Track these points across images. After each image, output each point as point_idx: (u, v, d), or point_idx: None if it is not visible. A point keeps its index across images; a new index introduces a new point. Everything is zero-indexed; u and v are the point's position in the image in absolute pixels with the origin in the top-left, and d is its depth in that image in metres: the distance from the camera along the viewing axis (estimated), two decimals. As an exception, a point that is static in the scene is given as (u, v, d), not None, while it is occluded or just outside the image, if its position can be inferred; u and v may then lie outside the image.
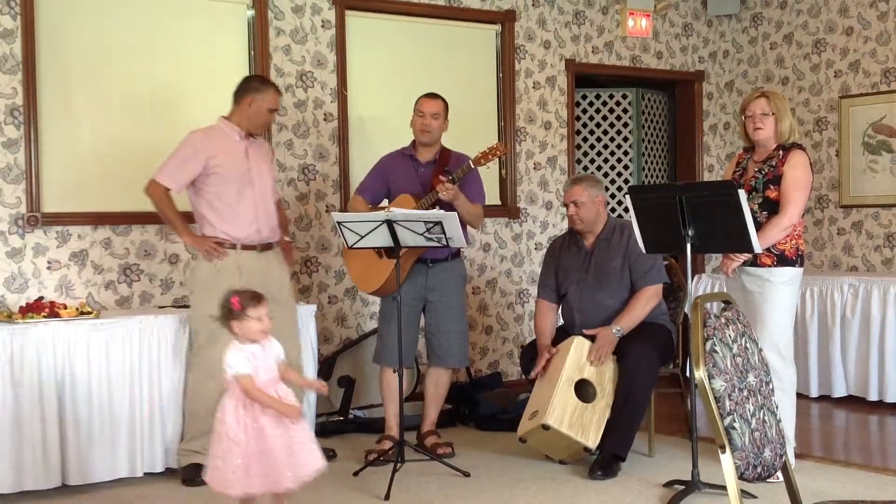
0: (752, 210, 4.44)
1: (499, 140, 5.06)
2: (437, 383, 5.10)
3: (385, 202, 5.07)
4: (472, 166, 4.84)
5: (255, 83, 4.80)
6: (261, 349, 3.49)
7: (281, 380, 3.53)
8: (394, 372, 4.74)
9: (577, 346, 4.70)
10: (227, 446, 3.40)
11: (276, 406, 3.42)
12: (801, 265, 4.54)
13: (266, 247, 4.73)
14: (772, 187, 4.45)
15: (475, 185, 4.99)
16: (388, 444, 4.86)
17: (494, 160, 4.92)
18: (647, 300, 4.82)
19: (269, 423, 3.41)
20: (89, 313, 4.63)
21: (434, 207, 4.71)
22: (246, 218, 4.64)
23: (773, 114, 4.49)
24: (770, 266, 4.46)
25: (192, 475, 4.44)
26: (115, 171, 5.30)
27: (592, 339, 4.75)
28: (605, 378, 4.67)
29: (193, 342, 4.67)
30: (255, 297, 3.51)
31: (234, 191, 4.64)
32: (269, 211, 4.77)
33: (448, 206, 4.72)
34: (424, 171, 4.99)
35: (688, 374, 4.89)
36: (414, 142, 5.09)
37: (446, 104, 5.05)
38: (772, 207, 4.45)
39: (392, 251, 4.65)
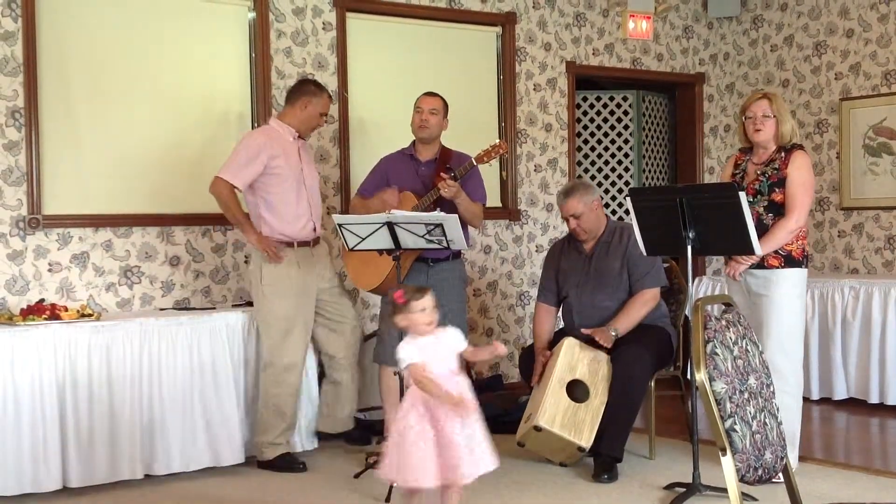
0: (758, 213, 4.45)
1: (500, 139, 5.07)
2: None
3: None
4: (475, 163, 4.86)
5: (311, 87, 5.01)
6: (434, 341, 3.46)
7: (470, 362, 3.49)
8: (395, 374, 4.74)
9: (568, 348, 4.71)
10: (407, 439, 3.38)
11: (444, 398, 3.36)
12: (807, 266, 4.55)
13: (316, 241, 4.99)
14: (777, 190, 4.44)
15: (476, 184, 5.00)
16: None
17: (497, 158, 4.94)
18: (644, 303, 4.83)
19: (449, 419, 3.37)
20: (90, 316, 4.64)
21: (435, 205, 4.72)
22: (303, 217, 4.88)
23: (774, 116, 4.49)
24: (778, 268, 4.45)
25: (288, 464, 4.79)
26: (116, 173, 5.30)
27: (586, 338, 4.76)
28: (597, 378, 4.68)
29: (264, 341, 4.88)
30: (419, 291, 3.50)
31: (291, 191, 4.85)
32: (319, 208, 5.05)
33: (449, 204, 4.72)
34: (425, 170, 4.99)
35: (689, 376, 4.89)
36: (414, 142, 5.10)
37: (445, 103, 5.07)
38: (778, 210, 4.44)
39: (392, 251, 4.66)
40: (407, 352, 3.42)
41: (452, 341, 3.52)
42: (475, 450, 3.41)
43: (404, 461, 3.38)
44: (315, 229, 4.98)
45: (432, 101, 5.04)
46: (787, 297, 4.45)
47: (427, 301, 3.46)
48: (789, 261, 4.46)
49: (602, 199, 7.51)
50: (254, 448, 4.93)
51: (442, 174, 4.79)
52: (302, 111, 4.94)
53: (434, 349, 3.45)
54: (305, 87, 5.00)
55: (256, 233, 4.85)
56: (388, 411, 4.98)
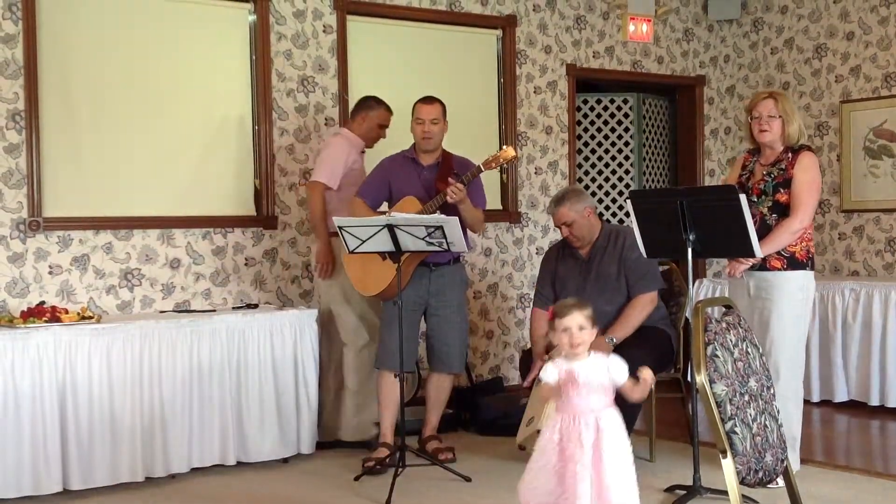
0: (762, 214, 4.42)
1: (507, 145, 5.02)
2: (439, 388, 5.08)
3: (385, 205, 5.06)
4: (482, 169, 4.84)
5: (369, 102, 5.38)
6: (581, 366, 3.10)
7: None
8: (395, 377, 4.74)
9: None
10: (539, 461, 3.17)
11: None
12: (812, 268, 4.49)
13: None
14: (782, 191, 4.40)
15: (478, 190, 4.99)
16: (384, 452, 4.85)
17: (504, 164, 4.92)
18: (642, 308, 4.82)
19: (577, 451, 3.05)
20: (90, 318, 4.63)
21: (440, 210, 4.71)
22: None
23: (780, 116, 4.43)
24: (780, 269, 4.41)
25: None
26: (116, 175, 5.31)
27: None
28: None
29: (346, 340, 5.24)
30: (572, 306, 3.17)
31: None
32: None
33: (452, 209, 4.72)
34: (427, 175, 4.99)
35: (689, 378, 4.88)
36: (414, 145, 5.09)
37: (444, 106, 5.05)
38: (782, 211, 4.40)
39: (395, 255, 4.67)
40: (548, 371, 3.13)
41: (606, 371, 3.11)
42: (602, 493, 3.05)
43: (526, 481, 3.22)
44: None
45: (432, 109, 4.98)
46: (790, 299, 4.41)
47: (574, 319, 3.11)
48: (792, 263, 4.41)
49: (602, 201, 7.52)
50: (349, 430, 5.20)
51: (450, 179, 4.77)
52: (360, 126, 5.35)
53: (577, 374, 3.09)
54: (363, 103, 5.39)
55: (327, 244, 5.17)
56: (385, 416, 4.98)
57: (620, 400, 4.58)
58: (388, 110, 5.39)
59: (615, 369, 3.09)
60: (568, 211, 4.87)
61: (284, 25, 5.85)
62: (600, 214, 7.03)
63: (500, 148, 5.00)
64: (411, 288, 4.87)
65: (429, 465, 4.75)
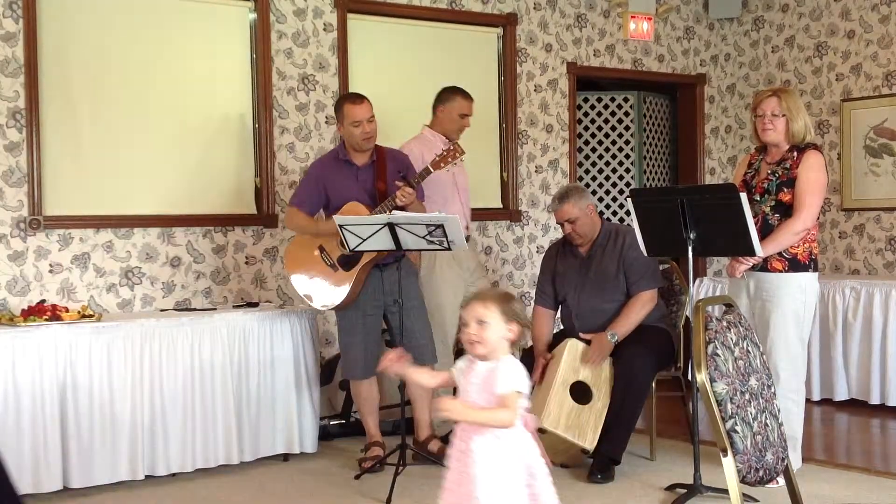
0: (764, 213, 4.38)
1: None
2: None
3: (321, 213, 4.96)
4: (431, 170, 4.76)
5: (445, 93, 5.40)
6: (481, 369, 2.78)
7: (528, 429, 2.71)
8: (366, 381, 4.80)
9: (571, 349, 4.71)
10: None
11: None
12: (816, 270, 4.43)
13: (467, 238, 5.09)
14: (785, 190, 4.36)
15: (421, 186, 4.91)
16: (378, 450, 4.84)
17: (453, 162, 4.82)
18: (642, 305, 4.82)
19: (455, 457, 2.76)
20: (91, 316, 4.64)
21: (391, 212, 4.62)
22: (456, 216, 4.94)
23: (783, 115, 4.38)
24: (781, 271, 4.37)
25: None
26: (116, 174, 5.31)
27: (587, 341, 4.75)
28: (600, 379, 4.67)
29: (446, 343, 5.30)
30: (470, 298, 2.87)
31: (443, 192, 5.23)
32: (469, 208, 5.49)
33: (401, 210, 4.65)
34: (364, 176, 4.86)
35: (690, 377, 4.89)
36: (343, 144, 4.93)
37: (369, 101, 4.88)
38: (785, 211, 4.36)
39: (348, 263, 4.70)
40: (457, 364, 2.86)
41: (487, 376, 2.73)
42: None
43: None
44: (466, 227, 5.31)
45: (366, 108, 4.80)
46: (791, 301, 4.37)
47: (472, 312, 2.76)
48: (794, 265, 4.37)
49: (603, 199, 7.52)
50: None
51: (398, 182, 4.67)
52: (440, 120, 5.38)
53: (473, 378, 2.78)
54: (440, 94, 5.42)
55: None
56: (369, 421, 4.96)
57: (623, 402, 4.62)
58: (465, 97, 5.40)
59: (501, 380, 2.72)
60: (572, 208, 4.87)
61: (285, 24, 5.85)
62: (601, 213, 7.03)
63: (448, 146, 4.85)
64: (369, 291, 4.83)
65: (429, 464, 4.74)
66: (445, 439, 5.03)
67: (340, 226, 4.50)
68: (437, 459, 4.75)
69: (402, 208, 4.64)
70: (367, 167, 4.89)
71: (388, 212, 4.59)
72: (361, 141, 4.81)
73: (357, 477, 4.67)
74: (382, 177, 4.80)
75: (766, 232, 4.31)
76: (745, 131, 7.59)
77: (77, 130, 5.21)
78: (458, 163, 5.10)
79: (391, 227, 4.43)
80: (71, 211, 5.18)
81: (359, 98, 4.88)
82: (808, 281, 4.42)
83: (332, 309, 4.92)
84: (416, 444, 4.95)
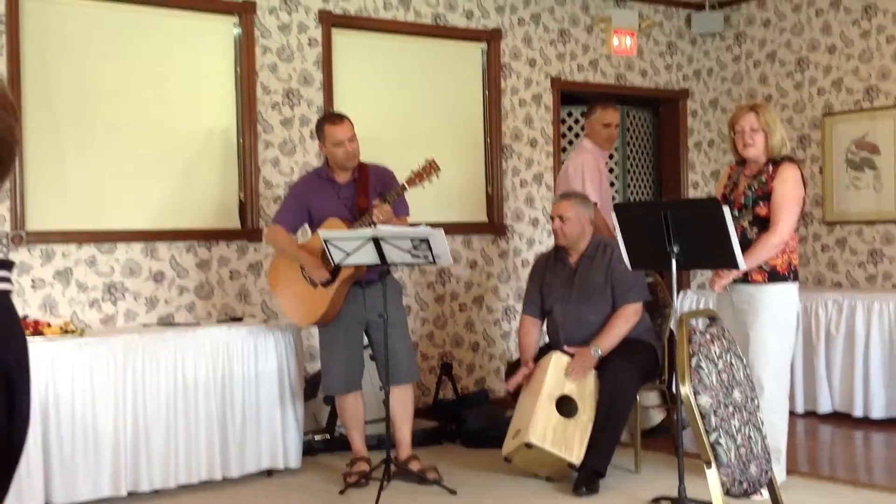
0: (743, 227, 4.42)
1: (428, 158, 4.80)
2: (405, 402, 4.91)
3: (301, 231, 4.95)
4: (406, 188, 4.70)
5: (589, 107, 5.89)
6: None
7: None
8: (352, 396, 4.78)
9: (557, 362, 4.72)
10: None
11: None
12: (796, 280, 4.47)
13: None
14: (761, 204, 4.40)
15: (401, 202, 4.84)
16: (364, 466, 4.82)
17: (428, 180, 4.74)
18: (626, 319, 4.83)
19: None
20: (73, 332, 4.61)
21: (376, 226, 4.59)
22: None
23: (762, 129, 4.43)
24: (762, 283, 4.41)
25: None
26: (100, 189, 5.29)
27: (572, 354, 4.76)
28: (585, 393, 4.68)
29: None
30: None
31: (598, 182, 5.63)
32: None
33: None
34: (347, 193, 4.85)
35: (674, 390, 4.89)
36: (327, 162, 4.92)
37: (350, 119, 4.87)
38: (762, 224, 4.39)
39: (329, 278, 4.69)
40: None
41: None
42: None
43: None
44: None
45: (347, 127, 4.78)
46: (772, 312, 4.40)
47: None
48: (774, 276, 4.41)
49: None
50: None
51: (375, 202, 4.66)
52: (589, 129, 5.86)
53: None
54: (588, 108, 5.93)
55: None
56: (354, 436, 4.94)
57: (608, 416, 4.63)
58: (604, 108, 5.79)
59: None
60: (569, 208, 4.91)
61: (270, 38, 5.85)
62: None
63: (425, 163, 4.74)
64: (349, 307, 4.82)
65: (413, 480, 4.73)
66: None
67: (325, 240, 4.50)
68: (420, 478, 4.75)
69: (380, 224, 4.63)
70: (349, 184, 4.88)
71: (368, 226, 4.58)
72: (344, 160, 4.81)
73: (342, 492, 4.65)
74: (364, 193, 4.80)
75: (745, 245, 4.33)
76: (728, 145, 7.62)
77: (60, 145, 5.19)
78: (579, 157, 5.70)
79: (376, 241, 4.42)
80: (54, 226, 5.16)
81: (339, 118, 4.86)
82: (788, 291, 4.46)
83: (313, 324, 4.91)
84: (397, 463, 4.88)
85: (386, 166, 5.01)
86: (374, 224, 4.59)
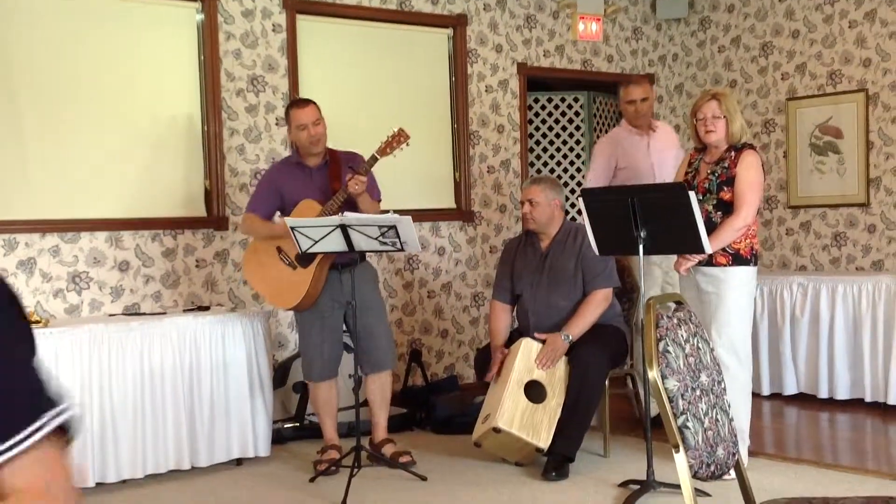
0: (707, 211, 4.49)
1: (398, 127, 4.74)
2: (382, 388, 4.95)
3: (277, 215, 4.92)
4: (378, 157, 4.69)
5: (622, 85, 5.85)
6: None
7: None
8: (326, 384, 4.78)
9: (526, 348, 4.73)
10: None
11: None
12: (756, 264, 4.59)
13: None
14: (725, 189, 4.49)
15: (372, 182, 4.85)
16: (334, 454, 4.82)
17: (399, 148, 4.72)
18: (597, 305, 4.85)
19: None
20: (38, 322, 4.56)
21: (342, 207, 4.59)
22: None
23: (724, 116, 4.52)
24: (725, 265, 4.50)
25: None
26: (62, 177, 5.22)
27: (542, 340, 4.77)
28: (555, 378, 4.70)
29: None
30: None
31: (633, 156, 5.64)
32: (663, 171, 5.71)
33: (352, 205, 4.63)
34: (318, 177, 4.85)
35: (642, 374, 4.93)
36: (297, 150, 4.92)
37: (317, 105, 4.87)
38: (726, 209, 4.49)
39: (306, 259, 4.65)
40: None
41: None
42: None
43: None
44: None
45: (311, 111, 4.79)
46: (735, 294, 4.50)
47: None
48: (737, 259, 4.51)
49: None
50: None
51: (350, 170, 4.66)
52: (622, 108, 5.77)
53: None
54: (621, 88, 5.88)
55: None
56: (327, 423, 4.94)
57: (577, 400, 4.65)
58: (626, 86, 5.73)
59: None
60: (539, 192, 4.91)
61: (233, 24, 5.79)
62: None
63: (393, 132, 4.72)
64: (328, 292, 4.80)
65: (383, 466, 4.74)
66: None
67: (292, 227, 4.47)
68: (392, 463, 4.75)
69: (353, 202, 4.62)
70: (320, 168, 4.87)
71: (339, 205, 4.59)
72: (308, 144, 4.80)
73: (312, 480, 4.65)
74: (337, 177, 4.78)
75: (710, 230, 4.40)
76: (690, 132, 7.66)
77: (22, 133, 5.12)
78: (634, 131, 5.67)
79: (343, 228, 4.41)
80: (16, 215, 5.09)
81: (304, 102, 4.87)
82: (749, 275, 4.56)
83: (292, 308, 4.88)
84: (372, 445, 4.93)
85: (356, 152, 4.99)
86: (350, 194, 4.60)
